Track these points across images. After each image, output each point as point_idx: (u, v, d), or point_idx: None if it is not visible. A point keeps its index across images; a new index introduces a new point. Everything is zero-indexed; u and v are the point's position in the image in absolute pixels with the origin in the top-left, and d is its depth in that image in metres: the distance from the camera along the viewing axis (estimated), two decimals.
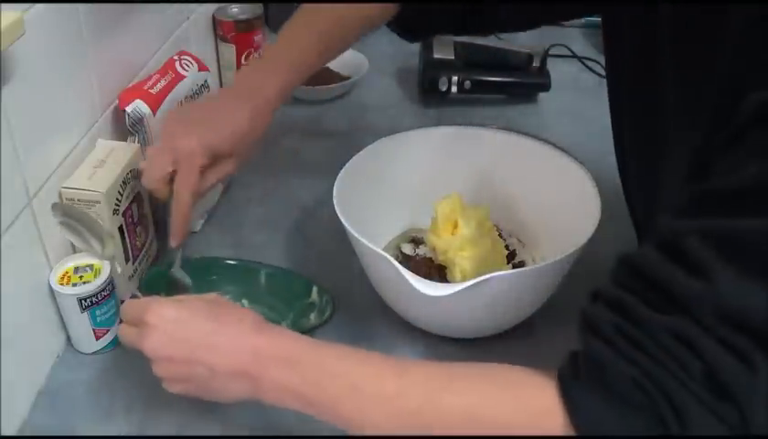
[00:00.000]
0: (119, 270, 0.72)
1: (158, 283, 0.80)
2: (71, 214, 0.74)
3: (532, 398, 0.52)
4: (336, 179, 0.81)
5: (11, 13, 0.61)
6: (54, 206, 0.73)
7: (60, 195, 0.76)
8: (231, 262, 0.86)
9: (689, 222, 0.47)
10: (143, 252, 0.86)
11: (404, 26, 0.89)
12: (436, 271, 0.85)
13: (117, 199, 0.79)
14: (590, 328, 0.51)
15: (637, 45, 0.67)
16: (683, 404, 0.45)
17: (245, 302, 0.83)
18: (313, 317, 0.80)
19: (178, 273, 0.80)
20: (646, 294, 0.48)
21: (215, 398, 0.62)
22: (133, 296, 0.69)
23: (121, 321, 0.65)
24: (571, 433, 0.49)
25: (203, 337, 0.59)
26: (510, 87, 1.24)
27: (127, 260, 0.82)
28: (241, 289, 0.84)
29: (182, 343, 0.59)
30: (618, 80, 0.75)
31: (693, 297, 0.45)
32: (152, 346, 0.60)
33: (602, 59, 1.30)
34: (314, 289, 0.82)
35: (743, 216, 0.44)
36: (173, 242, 0.78)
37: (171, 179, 0.75)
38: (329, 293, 0.82)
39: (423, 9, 0.85)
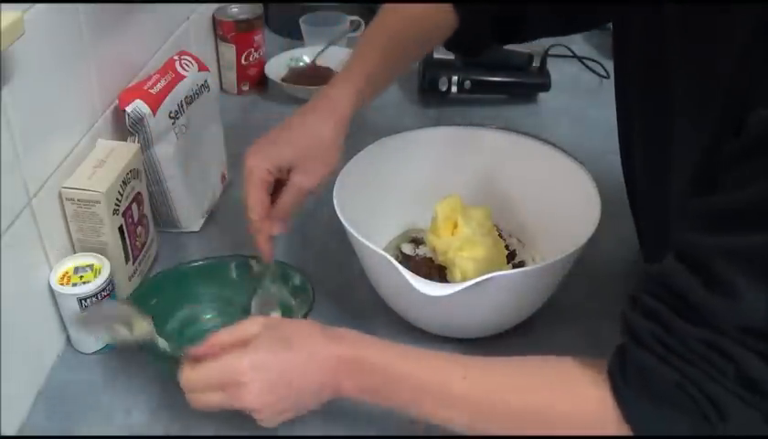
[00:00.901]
0: (160, 345, 0.71)
1: (155, 289, 0.79)
2: (94, 317, 0.72)
3: (589, 395, 0.56)
4: (336, 179, 0.81)
5: (11, 13, 0.61)
6: (78, 319, 0.71)
7: (60, 195, 0.76)
8: (200, 264, 0.84)
9: (712, 240, 0.50)
10: (143, 252, 0.86)
11: (459, 42, 0.89)
12: (436, 271, 0.85)
13: (117, 199, 0.79)
14: (632, 335, 0.55)
15: (646, 46, 0.67)
16: (722, 401, 0.50)
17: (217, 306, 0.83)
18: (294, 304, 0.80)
19: (271, 287, 0.80)
20: (677, 306, 0.52)
21: (308, 410, 0.64)
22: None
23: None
24: (624, 430, 0.54)
25: (291, 369, 0.61)
26: (510, 87, 1.24)
27: (127, 260, 0.82)
28: (215, 290, 0.83)
29: (277, 386, 0.61)
30: (627, 81, 0.75)
31: (720, 315, 0.50)
32: (253, 398, 0.60)
33: (603, 60, 1.31)
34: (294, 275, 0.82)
35: (759, 232, 0.47)
36: (265, 261, 0.79)
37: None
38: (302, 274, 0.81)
39: (477, 23, 0.86)
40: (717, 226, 0.50)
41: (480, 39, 0.90)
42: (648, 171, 0.73)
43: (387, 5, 0.86)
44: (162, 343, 0.71)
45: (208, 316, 0.82)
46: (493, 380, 0.61)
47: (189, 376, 0.62)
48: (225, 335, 0.63)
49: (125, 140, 0.87)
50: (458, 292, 0.68)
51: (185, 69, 0.93)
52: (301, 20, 1.32)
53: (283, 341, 0.62)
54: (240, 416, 0.71)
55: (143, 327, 0.69)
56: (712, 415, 0.50)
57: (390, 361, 0.62)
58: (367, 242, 0.73)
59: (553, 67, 1.24)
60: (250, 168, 0.75)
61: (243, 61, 1.24)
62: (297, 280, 0.81)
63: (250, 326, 0.63)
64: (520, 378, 0.61)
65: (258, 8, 1.25)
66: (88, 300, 0.75)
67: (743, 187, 0.48)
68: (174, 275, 0.82)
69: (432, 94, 1.21)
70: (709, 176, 0.54)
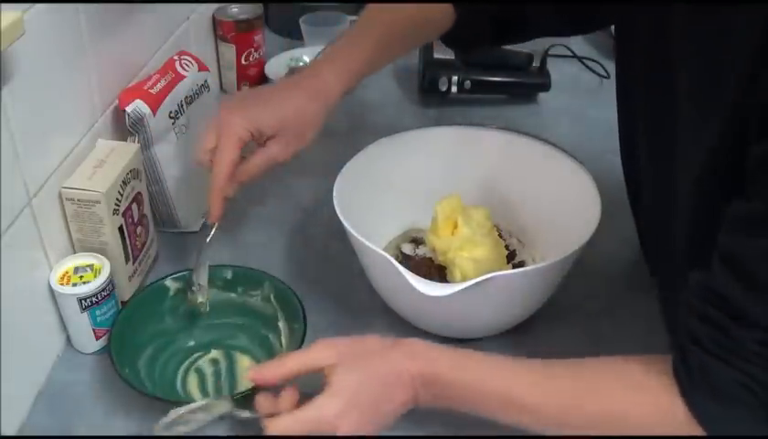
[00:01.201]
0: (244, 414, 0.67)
1: (142, 310, 0.79)
2: (182, 419, 0.68)
3: (660, 397, 0.57)
4: (336, 179, 0.81)
5: (11, 13, 0.61)
6: (165, 425, 0.67)
7: (60, 195, 0.76)
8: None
9: (752, 243, 0.51)
10: (143, 252, 0.86)
11: (457, 38, 0.90)
12: (436, 271, 0.85)
13: (117, 199, 0.79)
14: (693, 340, 0.55)
15: (651, 47, 0.66)
16: None
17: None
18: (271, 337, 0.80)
19: (200, 277, 0.79)
20: (727, 309, 0.53)
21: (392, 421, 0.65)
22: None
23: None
24: (699, 431, 0.55)
25: (376, 396, 0.62)
26: (510, 87, 1.24)
27: (127, 260, 0.82)
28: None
29: (365, 413, 0.62)
30: (630, 82, 0.74)
31: (763, 316, 0.51)
32: (349, 430, 0.61)
33: (603, 60, 1.31)
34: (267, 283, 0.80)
35: None
36: (210, 218, 0.78)
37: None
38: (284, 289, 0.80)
39: (475, 20, 0.87)
40: (756, 231, 0.51)
41: (478, 37, 0.90)
42: (652, 171, 0.73)
43: None
44: (243, 415, 0.67)
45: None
46: (563, 388, 0.62)
47: (278, 425, 0.61)
48: (297, 362, 0.64)
49: (125, 140, 0.87)
50: (458, 292, 0.68)
51: (185, 69, 0.93)
52: (301, 20, 1.32)
53: (361, 369, 0.63)
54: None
55: (225, 405, 0.67)
56: None
57: (464, 375, 0.63)
58: (367, 242, 0.73)
59: (553, 67, 1.24)
60: (229, 123, 0.73)
61: (243, 61, 1.24)
62: (291, 304, 0.78)
63: (323, 352, 0.64)
64: (589, 383, 0.61)
65: (258, 8, 1.24)
66: (88, 300, 0.75)
67: None
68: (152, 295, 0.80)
69: (432, 94, 1.21)
70: (716, 177, 0.54)
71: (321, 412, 0.61)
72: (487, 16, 0.86)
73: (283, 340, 0.79)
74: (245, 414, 0.66)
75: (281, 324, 0.79)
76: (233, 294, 0.82)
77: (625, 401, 0.59)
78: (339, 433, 0.60)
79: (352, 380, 0.62)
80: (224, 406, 0.67)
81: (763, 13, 0.49)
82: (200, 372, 0.78)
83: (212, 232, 0.81)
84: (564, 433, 0.62)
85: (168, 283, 0.80)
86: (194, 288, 0.79)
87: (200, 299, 0.79)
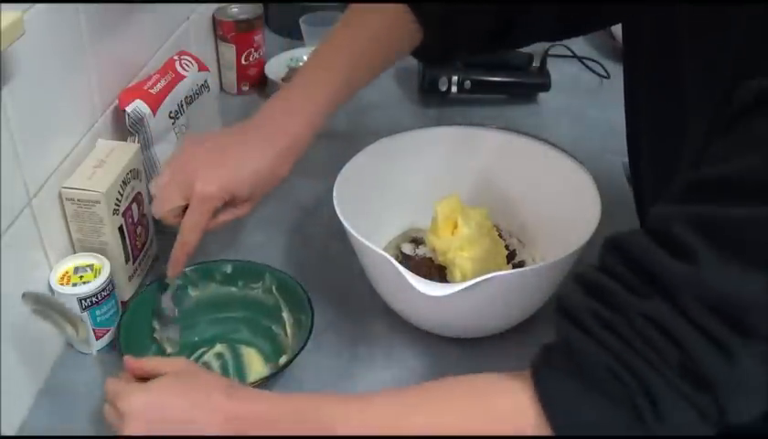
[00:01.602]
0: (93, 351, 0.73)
1: (145, 308, 0.80)
2: (42, 301, 0.72)
3: (500, 402, 0.53)
4: (336, 179, 0.81)
5: (11, 13, 0.61)
6: (24, 295, 0.70)
7: (60, 195, 0.76)
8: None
9: (678, 208, 0.47)
10: (143, 252, 0.86)
11: (428, 54, 0.87)
12: (436, 271, 0.85)
13: (117, 199, 0.79)
14: (566, 314, 0.50)
15: (658, 47, 0.66)
16: (658, 393, 0.45)
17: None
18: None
19: (167, 303, 0.79)
20: (629, 278, 0.48)
21: None
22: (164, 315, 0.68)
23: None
24: (545, 430, 0.49)
25: (179, 415, 0.60)
26: (510, 87, 1.24)
27: (127, 260, 0.82)
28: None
29: (160, 424, 0.60)
30: (637, 83, 0.74)
31: (675, 279, 0.45)
32: (131, 432, 0.60)
33: (603, 60, 1.31)
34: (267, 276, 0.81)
35: (733, 204, 0.44)
36: (170, 273, 0.78)
37: (183, 211, 0.75)
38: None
39: (447, 35, 0.83)
40: (689, 196, 0.47)
41: (449, 52, 0.88)
42: (659, 172, 0.72)
43: (344, 20, 0.83)
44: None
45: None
46: (389, 407, 0.58)
47: (108, 385, 0.64)
48: (151, 362, 0.66)
49: (125, 140, 0.87)
50: (458, 292, 0.68)
51: (185, 69, 0.93)
52: (301, 20, 1.32)
53: (182, 388, 0.62)
54: None
55: (84, 333, 0.72)
56: (645, 409, 0.46)
57: (291, 411, 0.60)
58: (367, 242, 0.73)
59: (553, 67, 1.24)
60: (204, 196, 0.73)
61: (243, 61, 1.24)
62: (299, 301, 0.79)
63: (173, 364, 0.66)
64: (419, 399, 0.57)
65: (258, 8, 1.24)
66: (88, 300, 0.75)
67: (725, 160, 0.46)
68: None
69: (432, 94, 1.21)
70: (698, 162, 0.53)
71: (119, 391, 0.62)
72: (458, 31, 0.83)
73: (288, 330, 0.79)
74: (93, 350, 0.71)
75: (284, 314, 0.80)
76: (234, 289, 0.83)
77: (457, 409, 0.54)
78: (126, 428, 0.60)
79: (164, 389, 0.62)
80: (83, 330, 0.72)
81: (761, 10, 0.49)
82: (208, 366, 0.79)
83: (175, 287, 0.80)
84: None
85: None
86: (165, 336, 0.80)
87: (169, 350, 0.79)
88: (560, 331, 0.51)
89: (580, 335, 0.48)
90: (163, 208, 0.75)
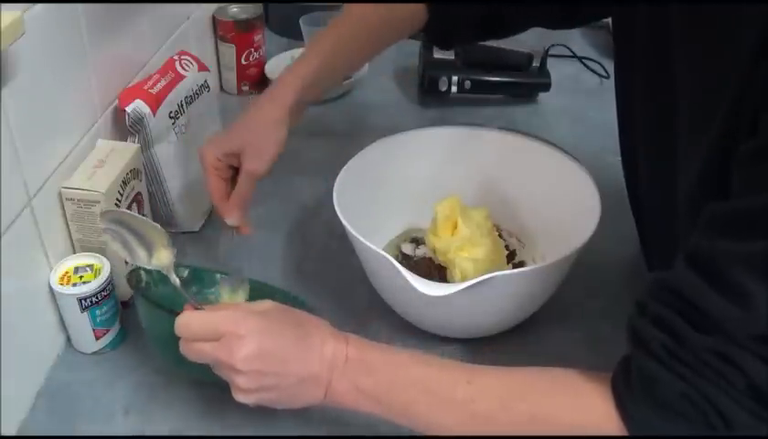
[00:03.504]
0: (176, 281, 0.65)
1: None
2: (121, 221, 0.66)
3: (593, 405, 0.56)
4: (336, 179, 0.81)
5: (11, 13, 0.61)
6: (103, 214, 0.67)
7: (60, 195, 0.76)
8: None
9: (725, 245, 0.48)
10: None
11: (434, 34, 0.90)
12: (436, 271, 0.85)
13: (117, 199, 0.79)
14: (639, 343, 0.53)
15: (650, 45, 0.66)
16: (730, 412, 0.50)
17: None
18: None
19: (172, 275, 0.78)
20: (687, 313, 0.51)
21: (288, 406, 0.63)
22: (196, 308, 0.62)
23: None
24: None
25: (291, 347, 0.60)
26: (510, 87, 1.24)
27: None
28: None
29: (272, 356, 0.59)
30: (629, 82, 0.74)
31: (732, 322, 0.49)
32: (244, 356, 0.58)
33: (603, 60, 1.31)
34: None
35: None
36: (242, 232, 0.83)
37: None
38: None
39: (448, 17, 0.86)
40: (731, 231, 0.49)
41: (454, 34, 0.90)
42: (652, 172, 0.73)
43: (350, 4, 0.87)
44: (174, 280, 0.64)
45: None
46: (498, 386, 0.60)
47: (188, 320, 0.60)
48: (239, 305, 0.64)
49: (125, 140, 0.87)
50: (458, 292, 0.68)
51: (185, 69, 0.93)
52: (301, 20, 1.32)
53: (293, 322, 0.62)
54: (244, 417, 0.71)
55: (163, 258, 0.64)
56: (720, 427, 0.50)
57: (397, 364, 0.61)
58: (367, 242, 0.73)
59: (553, 67, 1.24)
60: (201, 156, 0.80)
61: (243, 61, 1.24)
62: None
63: (261, 303, 0.63)
64: (526, 386, 0.60)
65: (258, 8, 1.25)
66: (88, 300, 0.75)
67: (760, 191, 0.47)
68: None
69: (432, 94, 1.21)
70: (717, 177, 0.53)
71: (238, 314, 0.60)
72: (462, 15, 0.86)
73: None
74: (175, 283, 0.64)
75: None
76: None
77: (558, 405, 0.58)
78: (239, 347, 0.58)
79: (280, 320, 0.61)
80: (164, 258, 0.65)
81: (761, 12, 0.49)
82: None
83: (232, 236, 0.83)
84: (489, 435, 0.59)
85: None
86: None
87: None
88: (635, 358, 0.54)
89: (655, 365, 0.52)
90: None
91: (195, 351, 0.60)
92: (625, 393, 0.54)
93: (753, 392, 0.49)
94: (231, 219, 0.81)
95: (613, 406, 0.54)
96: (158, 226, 0.66)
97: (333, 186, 0.80)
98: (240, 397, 0.61)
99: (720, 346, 0.49)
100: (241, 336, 0.58)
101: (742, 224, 0.48)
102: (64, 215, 0.77)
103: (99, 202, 0.76)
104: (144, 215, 0.86)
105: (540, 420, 0.57)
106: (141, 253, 0.65)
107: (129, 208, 0.82)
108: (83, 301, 0.75)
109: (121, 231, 0.66)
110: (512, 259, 0.90)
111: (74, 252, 0.79)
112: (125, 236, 0.66)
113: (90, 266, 0.77)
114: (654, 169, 0.72)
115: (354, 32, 0.85)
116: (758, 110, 0.48)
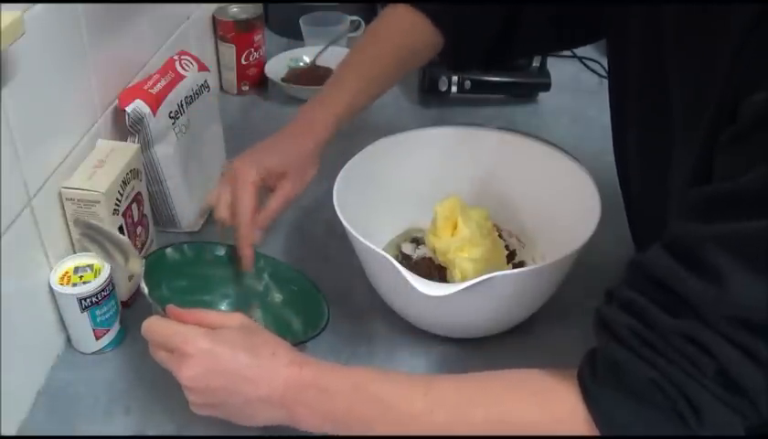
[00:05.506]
0: (144, 289, 0.69)
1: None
2: (93, 228, 0.70)
3: (556, 403, 0.55)
4: (335, 179, 0.81)
5: (11, 13, 0.61)
6: (76, 222, 0.72)
7: (60, 195, 0.76)
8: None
9: (701, 227, 0.48)
10: (143, 253, 0.86)
11: (453, 61, 0.93)
12: (436, 271, 0.85)
13: (117, 199, 0.79)
14: (606, 330, 0.53)
15: (643, 48, 0.67)
16: (699, 400, 0.48)
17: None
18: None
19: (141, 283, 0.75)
20: (659, 296, 0.50)
21: (244, 423, 0.63)
22: (155, 313, 0.66)
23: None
24: (595, 432, 0.52)
25: (240, 370, 0.60)
26: (510, 87, 1.24)
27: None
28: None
29: (219, 374, 0.60)
30: (622, 84, 0.74)
31: (705, 302, 0.47)
32: (190, 376, 0.60)
33: (603, 60, 1.31)
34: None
35: (753, 218, 0.45)
36: (245, 269, 0.81)
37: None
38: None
39: (464, 44, 0.88)
40: (708, 213, 0.48)
41: (469, 60, 0.92)
42: (645, 173, 0.73)
43: (371, 29, 0.89)
44: (143, 288, 0.69)
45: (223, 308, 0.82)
46: (454, 394, 0.59)
47: (152, 325, 0.63)
48: (209, 314, 0.64)
49: (125, 140, 0.87)
50: (458, 292, 0.68)
51: (185, 69, 0.93)
52: (301, 20, 1.32)
53: (246, 344, 0.62)
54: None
55: (136, 265, 0.70)
56: (687, 413, 0.49)
57: (350, 384, 0.61)
58: (367, 242, 0.73)
59: (553, 67, 1.24)
60: (239, 172, 0.78)
61: (243, 61, 1.24)
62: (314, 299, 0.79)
63: (232, 319, 0.64)
64: (481, 390, 0.59)
65: (258, 8, 1.25)
66: (88, 300, 0.75)
67: (737, 174, 0.46)
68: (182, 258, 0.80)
69: (432, 94, 1.21)
70: (709, 175, 0.53)
71: (192, 333, 0.61)
72: (479, 40, 0.87)
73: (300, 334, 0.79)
74: (145, 291, 0.68)
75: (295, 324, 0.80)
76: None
77: (520, 406, 0.56)
78: (184, 366, 0.60)
79: (233, 342, 0.61)
80: (137, 266, 0.69)
81: (751, 12, 0.49)
82: None
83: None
84: None
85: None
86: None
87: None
88: (601, 345, 0.53)
89: (623, 351, 0.51)
90: (216, 209, 0.80)
91: (155, 355, 0.64)
92: (591, 383, 0.53)
93: (723, 379, 0.48)
94: (255, 240, 0.80)
95: (580, 399, 0.53)
96: (125, 238, 0.71)
97: (333, 186, 0.80)
98: (192, 408, 0.63)
99: (691, 329, 0.48)
100: (190, 355, 0.60)
101: (719, 206, 0.48)
102: (64, 215, 0.78)
103: (99, 202, 0.76)
104: (144, 215, 0.86)
105: (499, 422, 0.56)
106: (118, 258, 0.69)
107: (129, 207, 0.82)
108: (83, 301, 0.75)
109: (97, 237, 0.69)
110: (512, 259, 0.90)
111: (74, 252, 0.79)
112: (103, 242, 0.70)
113: (90, 266, 0.77)
114: (646, 168, 0.72)
115: (383, 64, 0.87)
116: (738, 97, 0.49)
